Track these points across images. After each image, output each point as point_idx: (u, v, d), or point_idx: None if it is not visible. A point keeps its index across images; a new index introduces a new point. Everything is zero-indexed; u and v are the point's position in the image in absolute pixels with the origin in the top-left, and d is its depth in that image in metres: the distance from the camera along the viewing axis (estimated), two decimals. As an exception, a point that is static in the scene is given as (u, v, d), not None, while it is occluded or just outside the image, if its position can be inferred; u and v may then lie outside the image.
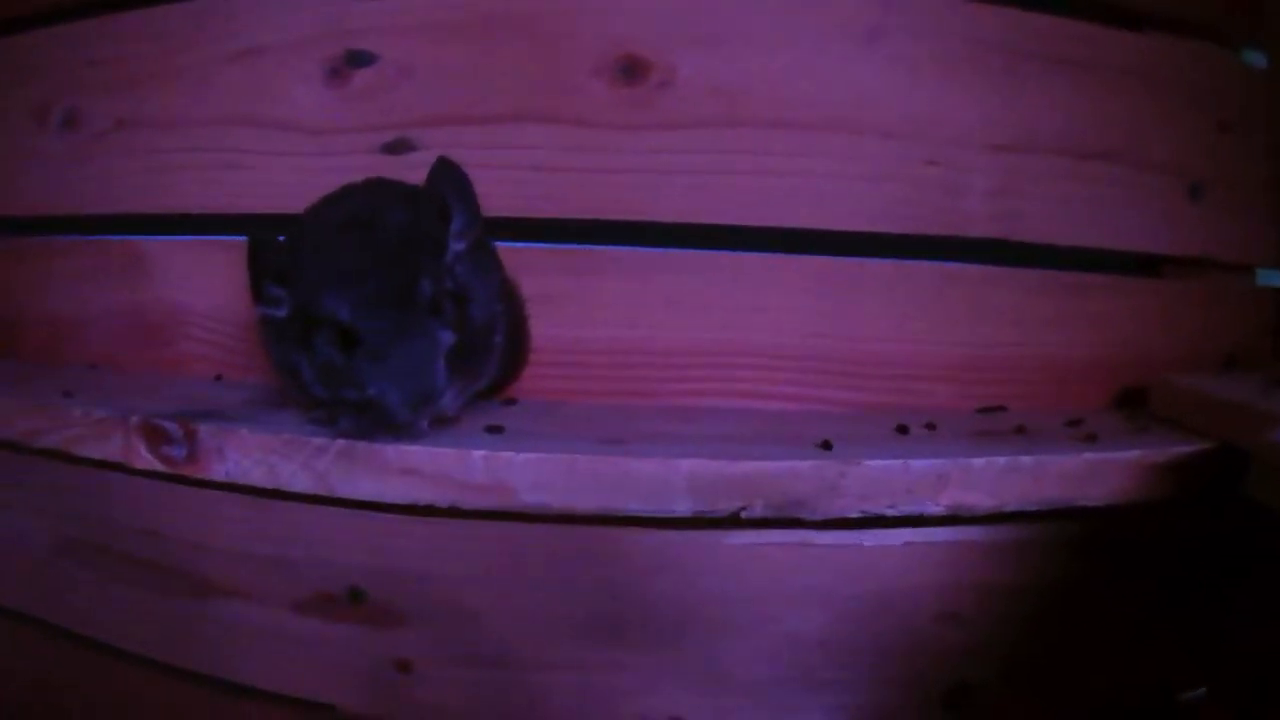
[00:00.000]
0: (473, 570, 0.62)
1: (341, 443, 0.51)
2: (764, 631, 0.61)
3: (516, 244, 0.62)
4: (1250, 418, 0.52)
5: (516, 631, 0.62)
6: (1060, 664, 0.62)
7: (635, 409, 0.62)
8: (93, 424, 0.57)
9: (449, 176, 0.52)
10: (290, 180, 0.66)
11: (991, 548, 0.60)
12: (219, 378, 0.69)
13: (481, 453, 0.51)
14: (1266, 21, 0.73)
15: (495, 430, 0.55)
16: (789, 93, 0.64)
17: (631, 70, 0.63)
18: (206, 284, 0.69)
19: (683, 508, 0.51)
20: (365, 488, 0.52)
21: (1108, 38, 0.67)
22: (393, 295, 0.48)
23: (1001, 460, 0.52)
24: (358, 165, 0.62)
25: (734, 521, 0.51)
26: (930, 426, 0.60)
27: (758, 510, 0.51)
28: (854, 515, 0.52)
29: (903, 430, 0.58)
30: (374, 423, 0.50)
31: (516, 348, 0.59)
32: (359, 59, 0.66)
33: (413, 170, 0.57)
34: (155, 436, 0.55)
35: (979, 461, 0.52)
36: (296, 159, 0.66)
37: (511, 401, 0.63)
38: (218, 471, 0.54)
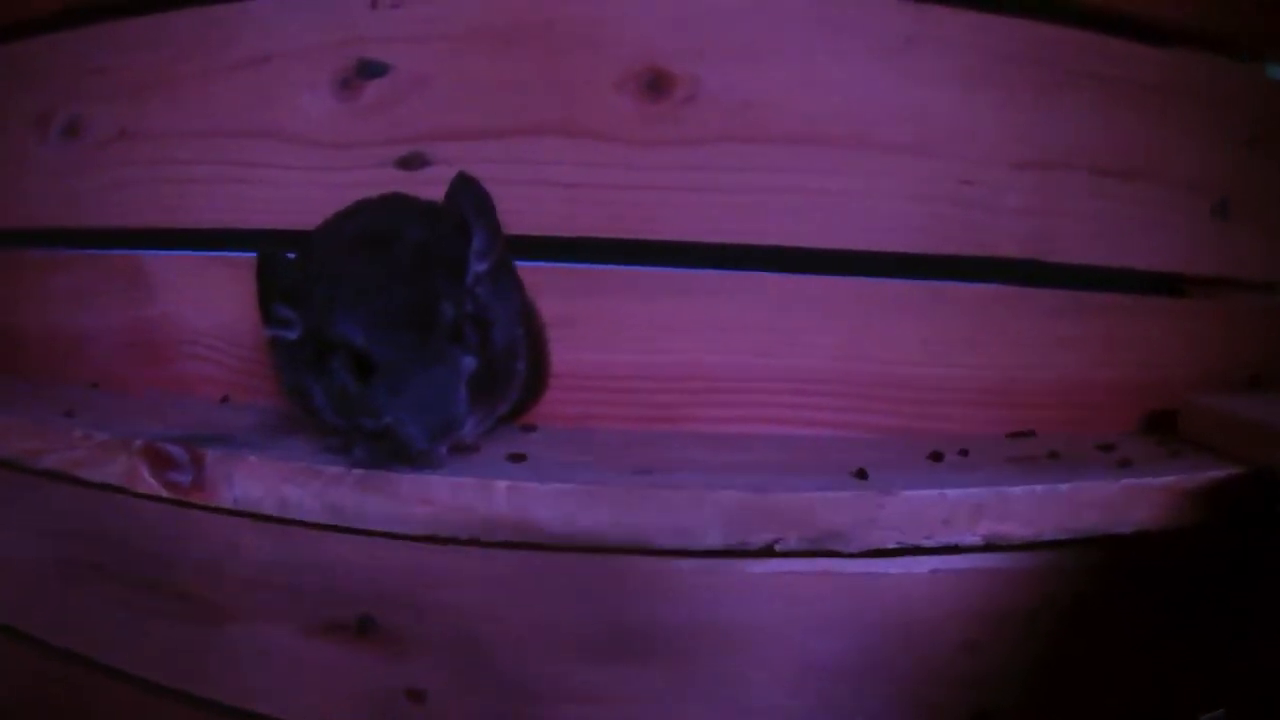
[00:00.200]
0: (488, 598, 0.58)
1: (356, 472, 0.48)
2: (786, 660, 0.58)
3: (536, 263, 0.58)
4: (1281, 440, 0.50)
5: (533, 660, 0.58)
6: (1080, 689, 0.59)
7: (661, 436, 0.59)
8: (95, 446, 0.54)
9: (469, 192, 0.48)
10: (299, 195, 0.62)
11: (1015, 574, 0.57)
12: (226, 399, 0.65)
13: (505, 484, 0.47)
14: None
15: (517, 459, 0.51)
16: (818, 108, 0.60)
17: (656, 84, 0.59)
18: (213, 302, 0.64)
19: (714, 540, 0.48)
20: (381, 519, 0.48)
21: (1132, 53, 0.64)
22: (411, 319, 0.44)
23: (1039, 489, 0.50)
24: (370, 180, 0.58)
25: (765, 553, 0.48)
26: (964, 453, 0.57)
27: (792, 543, 0.48)
28: (890, 547, 0.49)
29: (936, 457, 0.55)
30: (391, 452, 0.46)
31: (537, 372, 0.56)
32: (371, 69, 0.61)
33: (427, 186, 0.54)
34: (160, 461, 0.52)
35: (1017, 490, 0.50)
36: (305, 173, 0.62)
37: (531, 428, 0.59)
38: (225, 499, 0.51)
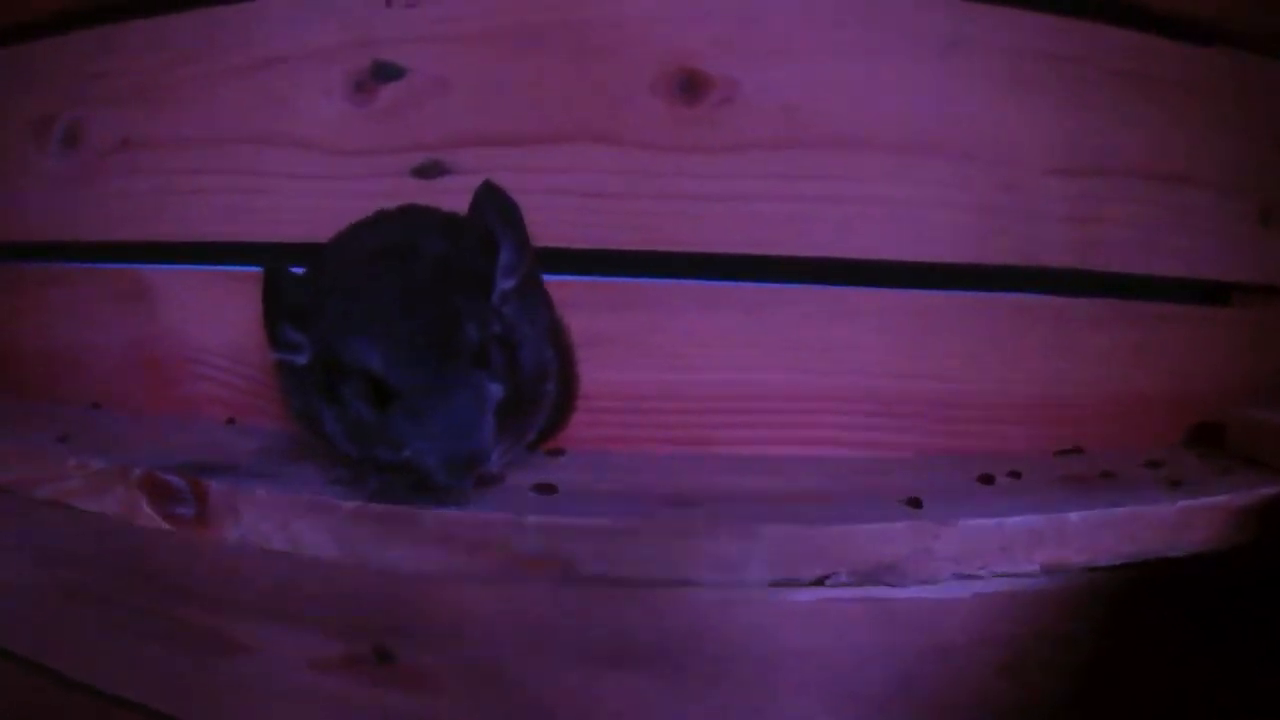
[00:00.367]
0: (514, 630, 0.52)
1: (373, 507, 0.42)
2: (825, 690, 0.53)
3: (562, 277, 0.53)
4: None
5: (563, 695, 0.52)
6: (1118, 711, 0.54)
7: (696, 460, 0.53)
8: (90, 476, 0.48)
9: (495, 203, 0.42)
10: (310, 205, 0.57)
11: (1057, 596, 0.51)
12: (231, 421, 0.59)
13: (535, 519, 0.42)
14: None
15: (547, 490, 0.45)
16: (859, 111, 0.55)
17: (691, 86, 0.54)
18: (219, 318, 0.59)
19: (760, 576, 0.43)
20: (399, 557, 0.43)
21: (1177, 53, 0.59)
22: (432, 342, 0.39)
23: (1096, 514, 0.45)
24: (385, 189, 0.53)
25: (814, 585, 0.43)
26: (1015, 475, 0.52)
27: (843, 578, 0.43)
28: (945, 579, 0.44)
29: (987, 480, 0.51)
30: (411, 485, 0.41)
31: (566, 393, 0.51)
32: (386, 72, 0.56)
33: (446, 196, 0.49)
34: (161, 492, 0.46)
35: (1074, 517, 0.45)
36: (317, 182, 0.57)
37: (559, 452, 0.53)
38: (230, 535, 0.45)
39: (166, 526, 0.47)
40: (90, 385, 0.63)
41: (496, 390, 0.40)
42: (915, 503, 0.45)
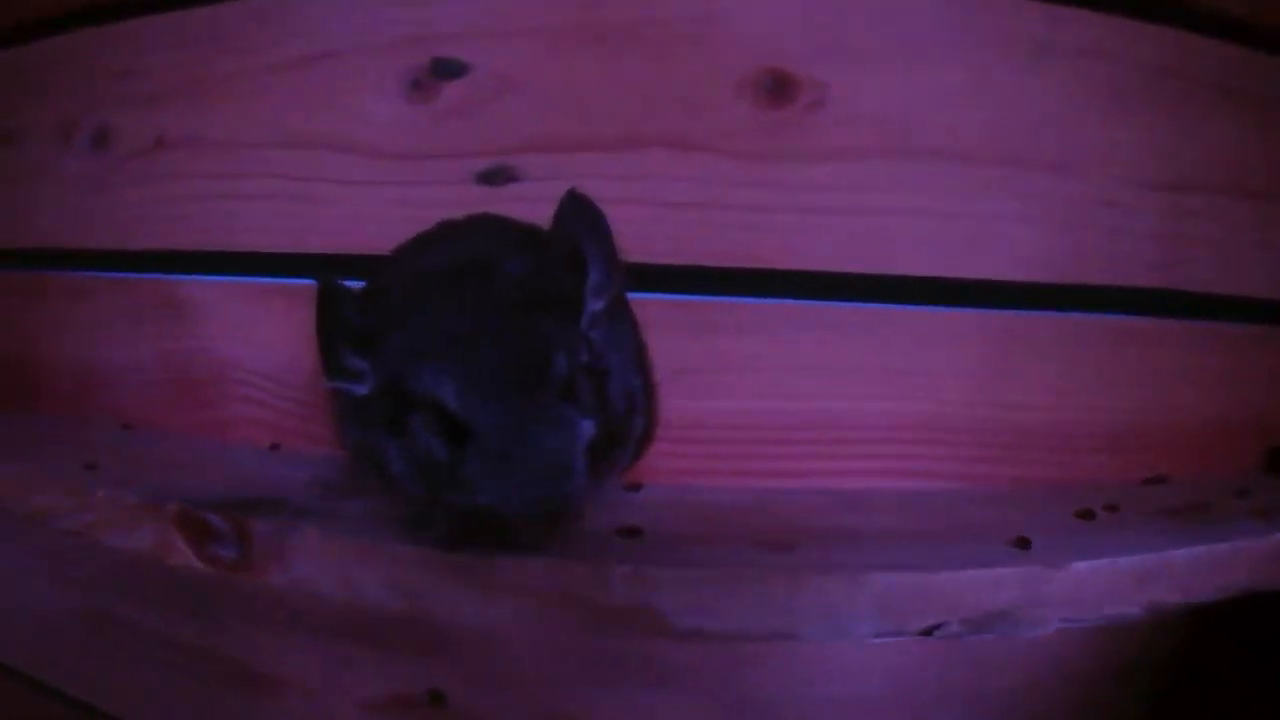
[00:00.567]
0: (579, 672, 0.46)
1: (439, 555, 0.36)
2: None
3: (637, 295, 0.45)
4: None
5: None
6: None
7: (778, 495, 0.47)
8: (120, 510, 0.42)
9: (582, 214, 0.37)
10: (363, 214, 0.51)
11: (1140, 631, 0.49)
12: (276, 447, 0.53)
13: (624, 569, 0.36)
14: None
15: (632, 534, 0.40)
16: (950, 119, 0.49)
17: (778, 88, 0.48)
18: (260, 335, 0.53)
19: (867, 629, 0.37)
20: (469, 611, 0.37)
21: (1267, 67, 0.54)
22: (517, 373, 0.33)
23: (1201, 552, 0.41)
24: (447, 197, 0.47)
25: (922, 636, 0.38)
26: (1112, 508, 0.47)
27: (953, 628, 0.38)
28: (1053, 624, 0.39)
29: (1086, 515, 0.45)
30: (485, 532, 0.34)
31: (648, 423, 0.43)
32: (448, 69, 0.50)
33: (514, 204, 0.43)
34: (198, 531, 0.41)
35: (1180, 554, 0.40)
36: (371, 188, 0.51)
37: (636, 487, 0.47)
38: (278, 579, 0.39)
39: (203, 568, 0.41)
40: (120, 405, 0.57)
41: (588, 427, 0.34)
42: (1024, 543, 0.40)
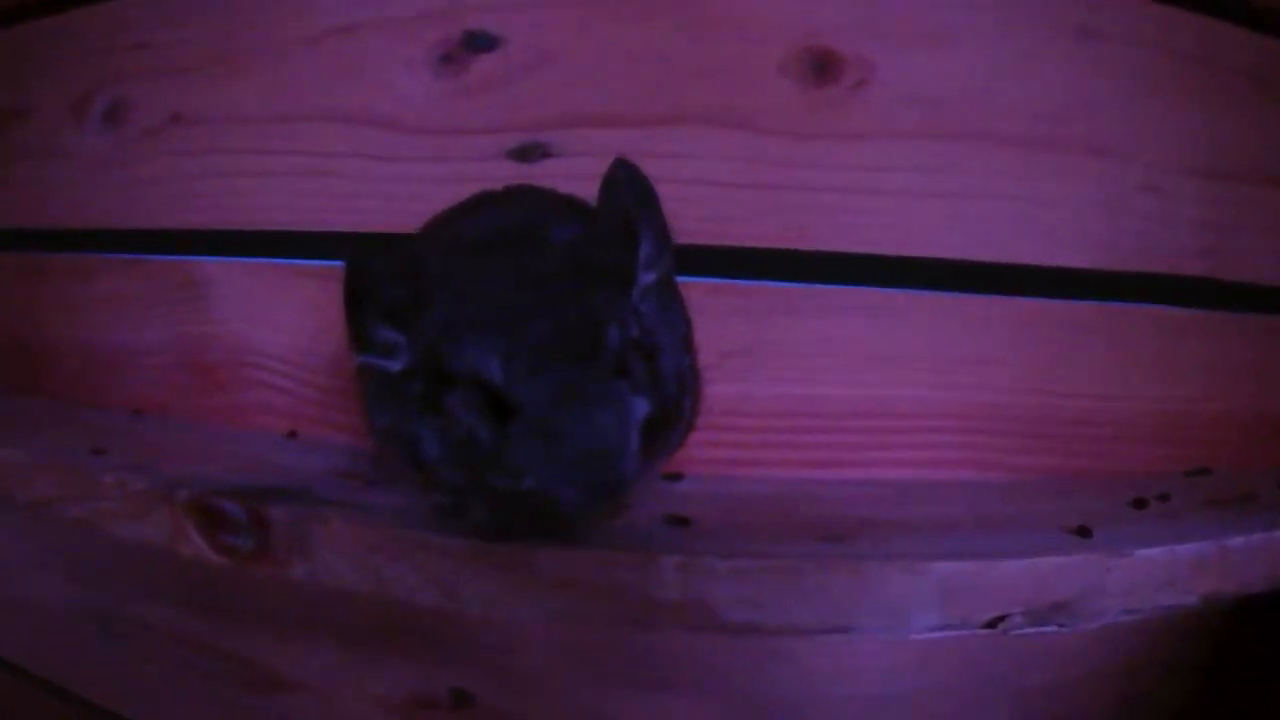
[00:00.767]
0: (616, 675, 0.43)
1: (477, 543, 0.32)
2: None
3: (679, 278, 0.42)
4: None
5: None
6: None
7: (834, 487, 0.44)
8: (129, 496, 0.38)
9: (632, 184, 0.33)
10: (390, 192, 0.47)
11: (1179, 624, 0.46)
12: (293, 434, 0.49)
13: (675, 559, 0.33)
14: None
15: (679, 522, 0.36)
16: (995, 102, 0.46)
17: (823, 67, 0.44)
18: (279, 318, 0.49)
19: (928, 622, 0.34)
20: (508, 604, 0.33)
21: None
22: (568, 346, 0.30)
23: (1256, 539, 0.38)
24: (478, 174, 0.43)
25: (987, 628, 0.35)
26: (1163, 498, 0.44)
27: (1017, 620, 0.35)
28: (1113, 614, 0.36)
29: (1141, 505, 0.43)
30: (530, 521, 0.31)
31: (694, 409, 0.39)
32: (479, 42, 0.46)
33: (548, 182, 0.40)
34: (212, 520, 0.37)
35: (1236, 542, 0.37)
36: (398, 165, 0.47)
37: (677, 477, 0.43)
38: (298, 572, 0.36)
39: (217, 559, 0.37)
40: (131, 390, 0.53)
41: (641, 405, 0.31)
42: (1084, 531, 0.38)
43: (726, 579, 0.33)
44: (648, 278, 0.33)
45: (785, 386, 0.45)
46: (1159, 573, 0.37)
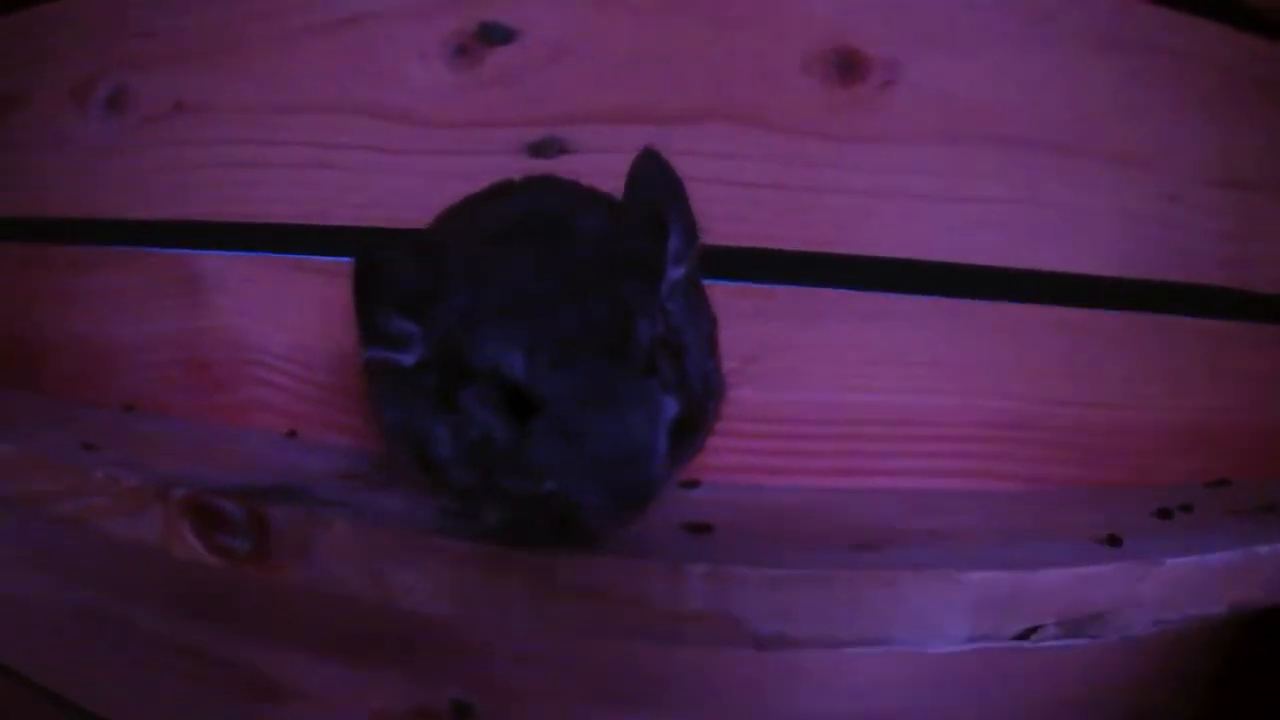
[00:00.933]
0: (615, 687, 0.40)
1: (490, 548, 0.30)
2: None
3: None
4: None
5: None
6: None
7: (859, 496, 0.42)
8: (121, 493, 0.36)
9: (660, 175, 0.31)
10: (400, 186, 0.44)
11: (1195, 635, 0.45)
12: (293, 434, 0.47)
13: (701, 568, 0.30)
14: None
15: (701, 530, 0.34)
16: (1022, 106, 0.43)
17: (850, 66, 0.42)
18: (281, 313, 0.46)
19: (959, 632, 0.32)
20: (523, 612, 0.31)
21: None
22: (596, 340, 0.27)
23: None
24: (493, 169, 0.39)
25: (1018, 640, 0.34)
26: (1186, 509, 0.42)
27: (1051, 631, 0.33)
28: (1143, 625, 0.35)
29: (1165, 514, 0.41)
30: (549, 526, 0.29)
31: (715, 413, 0.37)
32: (495, 34, 0.44)
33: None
34: (207, 519, 0.35)
35: (1265, 550, 0.36)
36: (409, 158, 0.44)
37: (694, 483, 0.41)
38: (298, 575, 0.34)
39: (212, 561, 0.34)
40: (126, 386, 0.50)
41: (670, 405, 0.28)
42: (1115, 540, 0.36)
43: (757, 589, 0.31)
44: (676, 273, 0.31)
45: (804, 393, 0.43)
46: (1190, 582, 0.36)
